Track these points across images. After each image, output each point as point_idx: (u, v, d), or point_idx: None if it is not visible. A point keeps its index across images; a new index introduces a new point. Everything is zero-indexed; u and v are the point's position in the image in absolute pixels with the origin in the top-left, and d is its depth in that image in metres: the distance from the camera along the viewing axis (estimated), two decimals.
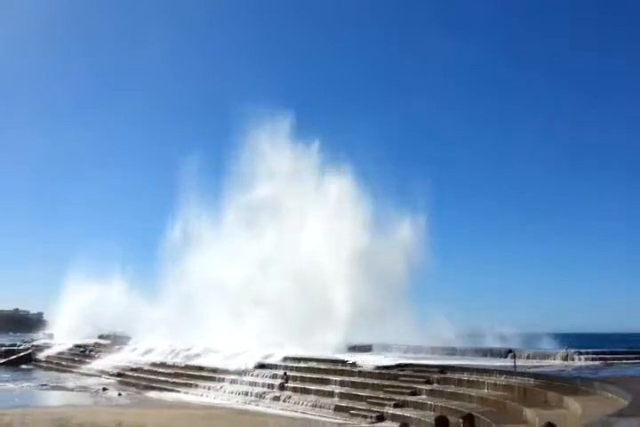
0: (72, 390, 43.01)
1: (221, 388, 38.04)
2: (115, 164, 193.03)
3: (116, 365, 54.29)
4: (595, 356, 32.27)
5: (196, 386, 39.97)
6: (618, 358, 31.19)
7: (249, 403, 33.39)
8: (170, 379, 43.27)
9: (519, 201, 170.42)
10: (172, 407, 32.50)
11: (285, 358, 38.45)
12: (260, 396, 34.04)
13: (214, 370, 41.44)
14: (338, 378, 32.63)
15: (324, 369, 34.65)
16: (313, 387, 32.59)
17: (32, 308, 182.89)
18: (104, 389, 42.37)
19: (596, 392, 19.35)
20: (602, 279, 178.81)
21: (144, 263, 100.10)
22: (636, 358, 31.30)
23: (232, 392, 36.39)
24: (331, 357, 36.64)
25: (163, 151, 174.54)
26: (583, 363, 29.74)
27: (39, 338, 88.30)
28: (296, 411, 29.69)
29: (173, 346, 52.23)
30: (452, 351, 38.35)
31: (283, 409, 30.57)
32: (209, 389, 38.74)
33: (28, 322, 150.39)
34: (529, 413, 18.76)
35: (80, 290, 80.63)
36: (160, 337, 56.58)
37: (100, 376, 52.07)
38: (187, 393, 38.97)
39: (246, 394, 35.19)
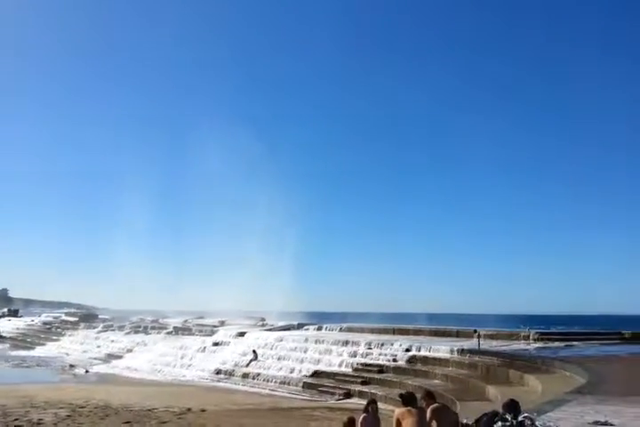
0: (38, 366, 42.51)
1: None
2: None
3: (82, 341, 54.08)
4: (555, 336, 33.46)
5: None
6: (577, 339, 32.33)
7: (217, 380, 33.62)
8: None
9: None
10: (143, 385, 32.49)
11: None
12: (230, 373, 34.31)
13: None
14: (303, 355, 33.19)
15: (288, 346, 35.28)
16: (280, 363, 33.00)
17: None
18: (71, 366, 42.05)
19: (556, 371, 20.12)
20: (569, 265, 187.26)
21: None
22: (593, 339, 32.53)
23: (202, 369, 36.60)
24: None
25: None
26: (544, 344, 30.74)
27: (4, 315, 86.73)
28: (264, 388, 30.03)
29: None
30: (419, 332, 39.22)
31: (252, 386, 30.88)
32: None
33: None
34: (491, 390, 19.40)
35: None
36: None
37: (67, 354, 51.67)
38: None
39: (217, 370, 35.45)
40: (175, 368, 38.75)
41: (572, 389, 14.33)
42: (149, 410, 20.78)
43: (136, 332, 56.10)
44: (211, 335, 46.54)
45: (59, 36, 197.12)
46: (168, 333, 52.40)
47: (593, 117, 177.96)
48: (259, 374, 32.37)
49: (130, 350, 47.21)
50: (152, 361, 41.57)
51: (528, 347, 28.92)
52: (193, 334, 49.19)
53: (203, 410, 20.87)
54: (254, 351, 35.79)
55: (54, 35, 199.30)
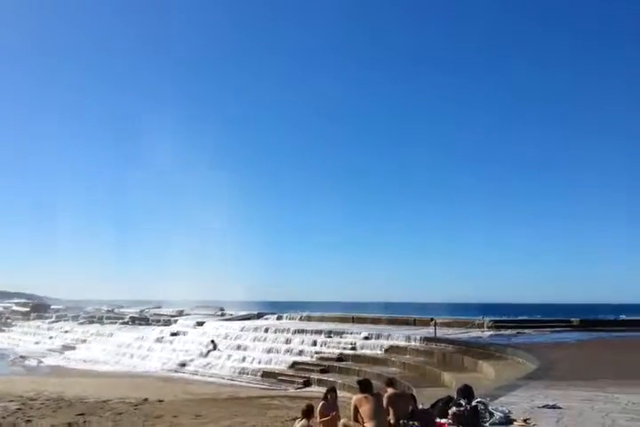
0: None
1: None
2: None
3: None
4: (508, 324, 34.57)
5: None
6: (529, 327, 33.49)
7: (174, 370, 33.27)
8: None
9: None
10: (98, 376, 31.83)
11: None
12: (188, 363, 34.00)
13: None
14: (263, 345, 33.21)
15: (247, 335, 35.25)
16: (239, 353, 32.92)
17: None
18: (22, 357, 40.82)
19: (508, 358, 20.78)
20: (530, 254, 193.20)
21: None
22: (544, 327, 33.76)
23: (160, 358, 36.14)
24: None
25: None
26: (497, 331, 31.70)
27: None
28: (222, 378, 29.90)
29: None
30: (378, 320, 39.79)
31: (210, 376, 30.69)
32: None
33: None
34: (446, 376, 19.90)
35: None
36: None
37: (17, 345, 50.10)
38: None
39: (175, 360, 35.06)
40: (132, 359, 38.11)
41: (524, 374, 14.83)
42: (104, 401, 20.37)
43: (91, 322, 54.86)
44: (168, 325, 45.99)
45: None
46: (124, 323, 51.44)
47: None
48: (217, 364, 32.19)
49: (84, 341, 46.14)
50: (108, 352, 40.75)
51: (482, 335, 29.76)
52: (150, 324, 48.47)
53: (160, 401, 20.60)
54: (213, 341, 35.55)
55: None
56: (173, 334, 41.26)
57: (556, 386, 11.64)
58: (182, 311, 55.04)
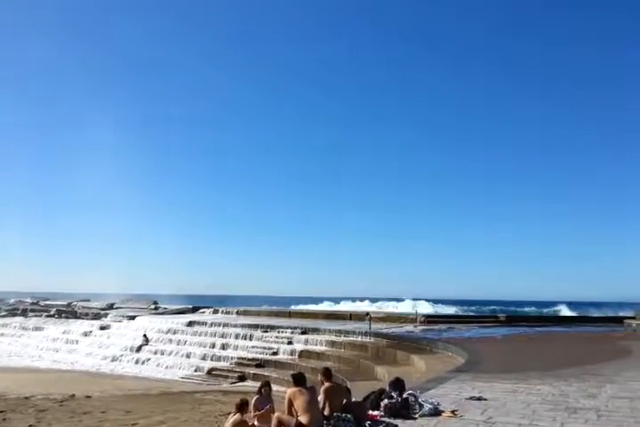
0: None
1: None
2: None
3: None
4: (440, 319, 35.78)
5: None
6: (459, 322, 34.78)
7: (104, 365, 32.19)
8: None
9: None
10: (21, 371, 30.26)
11: None
12: (119, 358, 32.98)
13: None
14: (197, 339, 32.72)
15: (182, 329, 34.66)
16: (172, 347, 32.26)
17: None
18: None
19: (439, 351, 21.50)
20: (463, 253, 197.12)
21: None
22: (473, 322, 35.19)
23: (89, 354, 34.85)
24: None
25: None
26: (429, 326, 32.70)
27: None
28: (154, 373, 29.21)
29: None
30: (315, 315, 40.10)
31: (142, 371, 29.91)
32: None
33: None
34: (379, 370, 20.34)
35: None
36: None
37: None
38: None
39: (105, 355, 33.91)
40: (58, 353, 36.51)
41: (453, 368, 15.38)
42: (27, 398, 19.41)
43: (14, 315, 52.12)
44: (98, 319, 44.45)
45: None
46: (50, 316, 49.20)
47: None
48: (149, 359, 31.42)
49: (6, 335, 43.75)
50: (32, 346, 38.87)
51: (415, 329, 30.61)
52: (79, 318, 46.62)
53: (88, 396, 19.86)
54: (145, 335, 34.64)
55: None
56: (103, 328, 39.90)
57: (482, 378, 12.14)
58: (113, 305, 53.29)
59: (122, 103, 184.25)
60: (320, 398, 7.32)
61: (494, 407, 8.70)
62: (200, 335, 33.60)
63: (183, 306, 51.43)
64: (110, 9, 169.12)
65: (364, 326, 31.16)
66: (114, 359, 32.93)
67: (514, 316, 39.67)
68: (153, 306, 52.36)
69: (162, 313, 46.39)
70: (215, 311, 46.74)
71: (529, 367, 14.21)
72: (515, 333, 28.29)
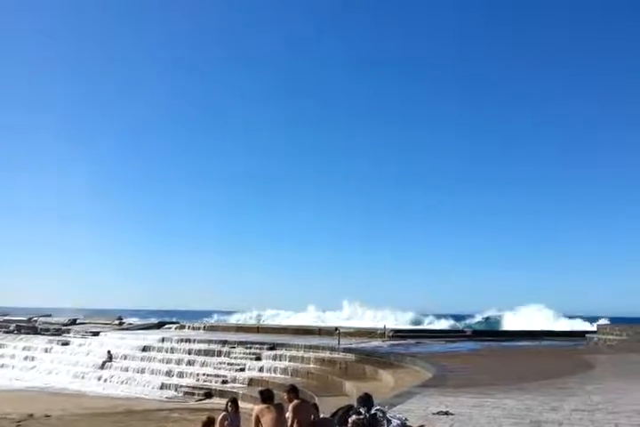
0: None
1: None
2: None
3: None
4: (408, 334, 35.99)
5: None
6: (427, 337, 35.04)
7: (65, 383, 31.19)
8: None
9: None
10: None
11: None
12: (81, 376, 32.02)
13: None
14: (163, 355, 32.10)
15: (148, 346, 33.95)
16: (137, 364, 31.52)
17: None
18: None
19: (407, 366, 21.60)
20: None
21: None
22: (440, 337, 35.50)
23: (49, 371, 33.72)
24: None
25: None
26: (398, 341, 32.83)
27: None
28: (118, 390, 28.47)
29: None
30: (283, 330, 39.84)
31: (104, 389, 29.11)
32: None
33: None
34: (348, 385, 20.29)
35: None
36: None
37: None
38: None
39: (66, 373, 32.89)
40: (17, 371, 35.26)
41: (420, 382, 15.48)
42: None
43: None
44: (60, 335, 43.09)
45: None
46: (8, 332, 47.48)
47: None
48: (113, 376, 30.60)
49: None
50: None
51: (383, 344, 30.68)
52: (40, 334, 45.10)
53: (47, 416, 19.25)
54: (109, 352, 33.76)
55: None
56: (65, 344, 38.70)
57: (449, 393, 12.26)
58: (76, 320, 51.79)
59: None
60: (288, 415, 7.28)
61: (461, 422, 8.80)
62: (166, 352, 32.90)
63: (148, 321, 50.39)
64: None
65: (332, 341, 31.09)
66: (76, 377, 31.96)
67: (479, 330, 40.20)
68: (117, 322, 51.10)
69: (126, 329, 45.31)
70: (181, 327, 45.94)
71: (494, 381, 14.43)
72: (480, 347, 28.68)
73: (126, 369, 31.25)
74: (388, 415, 8.34)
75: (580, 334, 33.79)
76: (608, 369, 17.55)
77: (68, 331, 44.42)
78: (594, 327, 36.45)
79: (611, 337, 27.85)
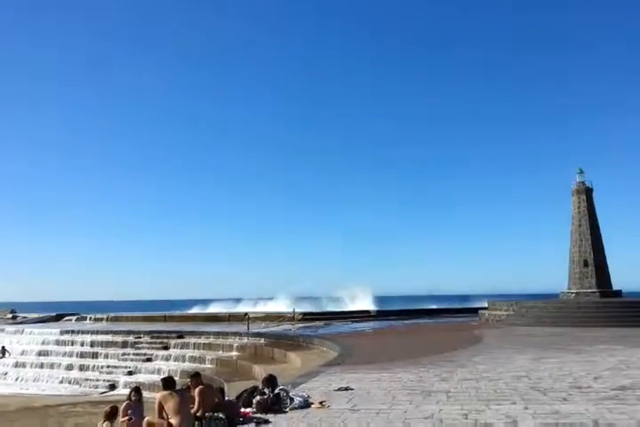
0: None
1: None
2: None
3: None
4: (317, 316, 36.94)
5: None
6: (335, 318, 36.20)
7: None
8: None
9: None
10: None
11: None
12: None
13: None
14: (63, 349, 30.70)
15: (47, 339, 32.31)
16: (36, 359, 29.89)
17: None
18: None
19: (314, 347, 22.32)
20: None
21: None
22: (348, 318, 36.80)
23: None
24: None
25: None
26: (307, 323, 33.68)
27: None
28: (14, 387, 26.87)
29: None
30: (192, 318, 39.36)
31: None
32: None
33: None
34: (257, 369, 20.61)
35: None
36: None
37: None
38: None
39: None
40: None
41: (326, 362, 16.10)
42: None
43: None
44: None
45: None
46: None
47: None
48: (8, 373, 28.79)
49: None
50: None
51: (292, 327, 31.34)
52: None
53: None
54: (3, 347, 31.69)
55: None
56: None
57: (351, 370, 12.93)
58: None
59: None
60: (196, 400, 7.44)
61: (359, 396, 9.38)
62: (67, 345, 31.44)
63: (45, 314, 47.66)
64: None
65: (242, 327, 31.25)
66: None
67: (383, 311, 42.14)
68: (10, 315, 47.88)
69: (21, 322, 42.62)
70: (82, 318, 43.99)
71: (394, 357, 15.35)
72: (383, 326, 30.17)
73: (22, 365, 29.52)
74: (291, 394, 8.74)
75: (475, 311, 36.45)
76: (494, 342, 19.21)
77: None
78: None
79: (499, 313, 30.32)
